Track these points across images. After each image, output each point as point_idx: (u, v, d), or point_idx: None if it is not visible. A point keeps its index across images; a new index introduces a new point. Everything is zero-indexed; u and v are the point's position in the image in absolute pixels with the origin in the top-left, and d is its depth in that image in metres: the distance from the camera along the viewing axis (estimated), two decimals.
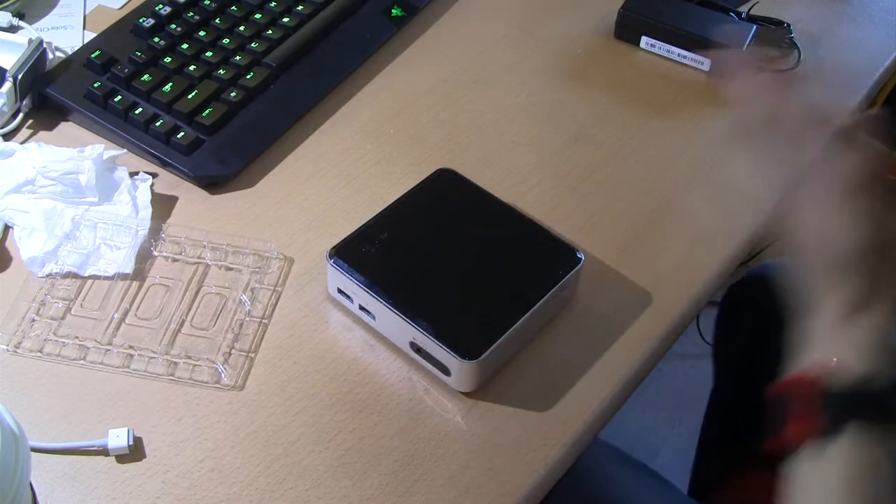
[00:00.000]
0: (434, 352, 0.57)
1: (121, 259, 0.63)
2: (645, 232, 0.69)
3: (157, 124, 0.71)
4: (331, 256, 0.61)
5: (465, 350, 0.56)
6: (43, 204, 0.66)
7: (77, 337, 0.60)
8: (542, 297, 0.59)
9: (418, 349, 0.58)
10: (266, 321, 0.62)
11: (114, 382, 0.58)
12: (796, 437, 0.48)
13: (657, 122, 0.78)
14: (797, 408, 0.48)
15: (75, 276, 0.63)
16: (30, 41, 0.75)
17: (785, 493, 0.48)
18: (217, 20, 0.80)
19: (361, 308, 0.61)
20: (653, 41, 0.84)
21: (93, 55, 0.75)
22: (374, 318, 0.60)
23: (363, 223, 0.63)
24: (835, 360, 0.48)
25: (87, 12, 0.86)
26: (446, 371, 0.57)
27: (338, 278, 0.61)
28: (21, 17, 0.83)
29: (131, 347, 0.59)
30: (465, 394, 0.58)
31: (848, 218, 0.52)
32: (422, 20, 0.86)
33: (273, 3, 0.82)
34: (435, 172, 0.67)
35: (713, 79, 0.81)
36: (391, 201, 0.65)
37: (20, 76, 0.72)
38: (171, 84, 0.73)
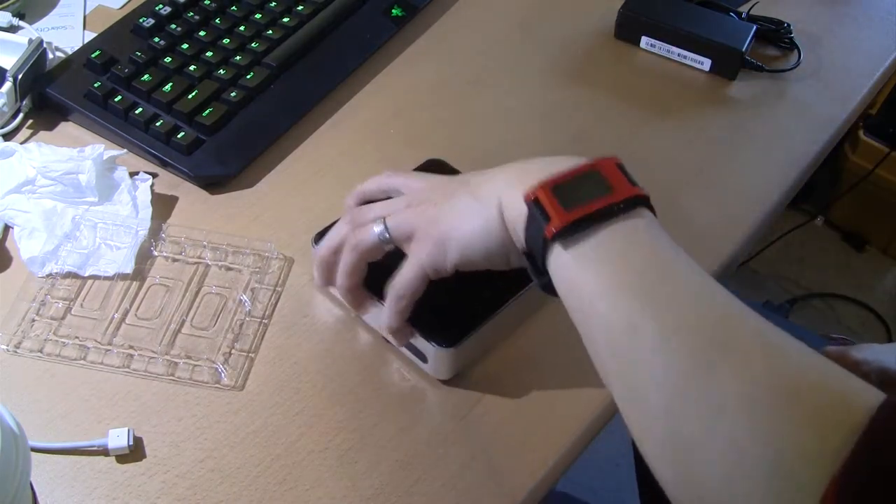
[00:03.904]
0: (412, 339, 0.57)
1: (121, 259, 0.63)
2: None
3: (157, 124, 0.71)
4: (316, 241, 0.61)
5: (441, 338, 0.56)
6: (43, 204, 0.66)
7: (77, 337, 0.60)
8: (522, 288, 0.59)
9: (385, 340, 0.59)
10: (266, 321, 0.62)
11: (114, 382, 0.58)
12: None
13: (657, 122, 0.79)
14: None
15: (75, 276, 0.63)
16: (30, 41, 0.75)
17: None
18: (217, 20, 0.80)
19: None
20: (653, 41, 0.84)
21: (93, 55, 0.75)
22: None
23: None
24: None
25: (87, 12, 0.86)
26: (423, 358, 0.58)
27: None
28: (21, 17, 0.83)
29: (131, 347, 0.59)
30: (466, 395, 0.58)
31: None
32: (422, 20, 0.86)
33: (273, 3, 0.82)
34: (425, 162, 0.67)
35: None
36: None
37: (20, 76, 0.72)
38: (171, 84, 0.73)
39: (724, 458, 0.39)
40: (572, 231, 0.45)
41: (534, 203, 0.47)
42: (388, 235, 0.55)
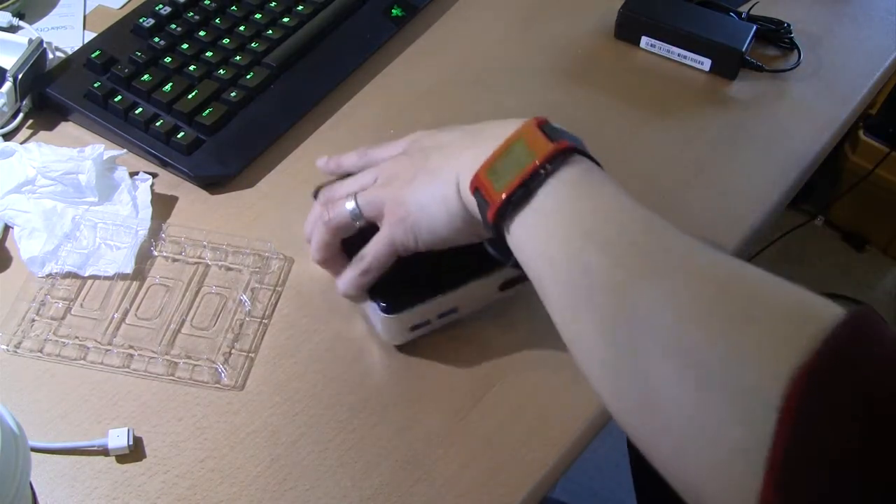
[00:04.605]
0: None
1: (121, 259, 0.63)
2: None
3: (158, 124, 0.71)
4: (391, 311, 0.57)
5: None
6: (43, 204, 0.66)
7: (77, 337, 0.60)
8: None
9: (512, 282, 0.60)
10: (266, 321, 0.62)
11: (114, 382, 0.58)
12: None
13: (657, 122, 0.79)
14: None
15: (75, 276, 0.63)
16: (30, 41, 0.75)
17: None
18: (217, 20, 0.80)
19: (441, 316, 0.60)
20: (653, 41, 0.84)
21: (93, 55, 0.75)
22: (457, 311, 0.60)
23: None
24: None
25: (87, 12, 0.86)
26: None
27: (408, 319, 0.58)
28: (21, 17, 0.83)
29: (131, 347, 0.59)
30: (466, 395, 0.58)
31: None
32: (422, 20, 0.86)
33: (273, 3, 0.82)
34: None
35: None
36: None
37: (20, 76, 0.72)
38: (171, 84, 0.74)
39: (680, 367, 0.39)
40: (509, 208, 0.47)
41: (476, 192, 0.50)
42: (359, 212, 0.57)
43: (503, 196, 0.47)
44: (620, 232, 0.45)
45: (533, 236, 0.47)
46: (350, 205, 0.57)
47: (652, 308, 0.41)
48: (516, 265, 0.50)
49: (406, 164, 0.57)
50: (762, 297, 0.40)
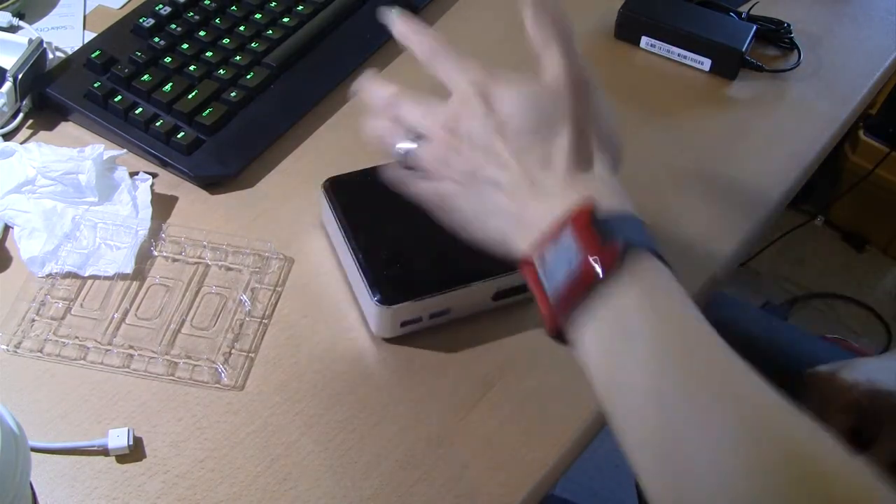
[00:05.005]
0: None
1: (121, 259, 0.63)
2: None
3: (158, 124, 0.71)
4: (384, 303, 0.58)
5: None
6: (43, 204, 0.66)
7: (77, 337, 0.60)
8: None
9: (505, 293, 0.60)
10: (266, 321, 0.62)
11: (114, 382, 0.58)
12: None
13: (657, 122, 0.79)
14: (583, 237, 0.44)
15: (75, 276, 0.63)
16: (30, 41, 0.75)
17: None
18: (217, 20, 0.80)
19: (433, 316, 0.60)
20: (653, 41, 0.84)
21: (93, 55, 0.75)
22: (450, 313, 0.60)
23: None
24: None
25: (87, 12, 0.86)
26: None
27: (400, 313, 0.59)
28: (21, 17, 0.83)
29: (131, 347, 0.59)
30: (466, 395, 0.58)
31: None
32: (422, 20, 0.86)
33: (273, 3, 0.82)
34: None
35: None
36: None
37: (20, 76, 0.72)
38: (171, 84, 0.73)
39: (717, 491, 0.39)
40: (562, 317, 0.45)
41: (527, 276, 0.46)
42: (404, 158, 0.51)
43: (561, 309, 0.44)
44: (681, 363, 0.43)
45: (590, 351, 0.44)
46: (403, 147, 0.51)
47: (701, 452, 0.40)
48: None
49: (494, 159, 0.49)
50: (794, 448, 0.39)
